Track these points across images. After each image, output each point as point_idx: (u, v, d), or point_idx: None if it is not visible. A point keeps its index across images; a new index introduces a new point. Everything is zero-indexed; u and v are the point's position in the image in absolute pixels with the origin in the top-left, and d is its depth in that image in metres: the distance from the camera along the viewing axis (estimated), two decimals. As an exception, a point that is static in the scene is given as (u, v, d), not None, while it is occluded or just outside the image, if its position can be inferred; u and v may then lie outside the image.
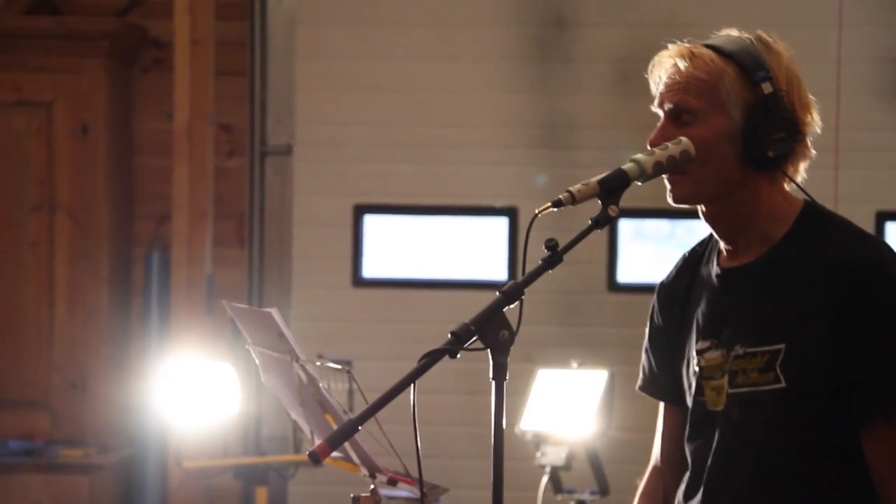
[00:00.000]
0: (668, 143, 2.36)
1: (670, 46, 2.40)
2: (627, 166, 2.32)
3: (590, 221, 2.27)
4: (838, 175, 5.21)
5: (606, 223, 2.28)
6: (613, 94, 6.44)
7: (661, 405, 2.60)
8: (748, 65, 2.34)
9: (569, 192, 2.26)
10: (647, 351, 2.60)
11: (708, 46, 2.38)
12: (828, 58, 5.54)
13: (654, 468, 2.62)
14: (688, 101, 2.35)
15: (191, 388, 5.28)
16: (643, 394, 2.62)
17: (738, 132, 2.34)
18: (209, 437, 5.57)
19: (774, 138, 2.33)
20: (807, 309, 2.31)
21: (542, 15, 6.49)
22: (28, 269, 6.15)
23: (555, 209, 2.25)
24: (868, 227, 4.13)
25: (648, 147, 2.36)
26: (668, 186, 2.40)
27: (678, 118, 2.37)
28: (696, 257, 2.54)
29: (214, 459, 5.51)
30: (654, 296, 2.59)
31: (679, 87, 2.36)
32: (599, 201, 2.29)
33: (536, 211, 2.24)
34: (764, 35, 2.39)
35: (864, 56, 6.24)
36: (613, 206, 2.29)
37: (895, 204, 6.31)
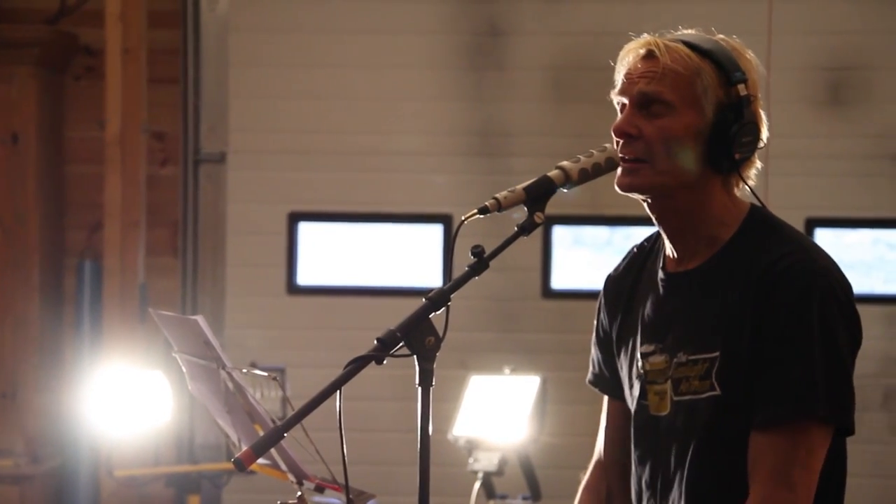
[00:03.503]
0: (594, 150, 2.36)
1: (644, 36, 2.37)
2: (553, 173, 2.32)
3: (516, 228, 2.28)
4: (768, 181, 5.25)
5: (532, 229, 2.29)
6: (547, 101, 6.46)
7: (605, 399, 2.60)
8: (726, 64, 2.33)
9: (495, 198, 2.27)
10: (594, 345, 2.60)
11: (683, 42, 2.35)
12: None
13: (598, 462, 2.62)
14: (662, 93, 2.32)
15: (123, 397, 5.25)
16: (592, 388, 2.62)
17: (706, 130, 2.33)
18: (141, 446, 5.53)
19: (743, 141, 2.32)
20: (738, 317, 2.31)
21: (476, 23, 6.50)
22: (-43, 279, 6.09)
23: (481, 216, 2.26)
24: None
25: (613, 134, 2.35)
26: (622, 173, 2.35)
27: (647, 107, 2.34)
28: (644, 253, 2.53)
29: (146, 468, 5.48)
30: (602, 289, 2.58)
31: (654, 77, 2.33)
32: (526, 208, 2.29)
33: (462, 218, 2.25)
34: (731, 40, 2.38)
35: (794, 64, 6.30)
36: (539, 213, 2.29)
37: (824, 210, 6.37)
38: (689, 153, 2.34)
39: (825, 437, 2.29)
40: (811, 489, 2.28)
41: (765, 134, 2.39)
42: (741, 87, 2.33)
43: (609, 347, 2.56)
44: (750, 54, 2.39)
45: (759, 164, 2.40)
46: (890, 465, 6.30)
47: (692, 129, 2.33)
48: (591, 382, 2.62)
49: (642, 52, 2.36)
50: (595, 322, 2.60)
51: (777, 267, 2.29)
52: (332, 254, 6.58)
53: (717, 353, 2.33)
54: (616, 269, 2.57)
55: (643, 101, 2.35)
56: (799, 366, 2.26)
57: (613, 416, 2.58)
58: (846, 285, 2.33)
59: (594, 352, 2.60)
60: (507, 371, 4.92)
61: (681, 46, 2.35)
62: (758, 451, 2.28)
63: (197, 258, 6.51)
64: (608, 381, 2.57)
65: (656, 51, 2.34)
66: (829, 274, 2.31)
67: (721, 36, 2.40)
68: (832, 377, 2.27)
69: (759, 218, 2.40)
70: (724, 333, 2.32)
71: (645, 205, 2.41)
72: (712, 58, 2.34)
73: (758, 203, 2.42)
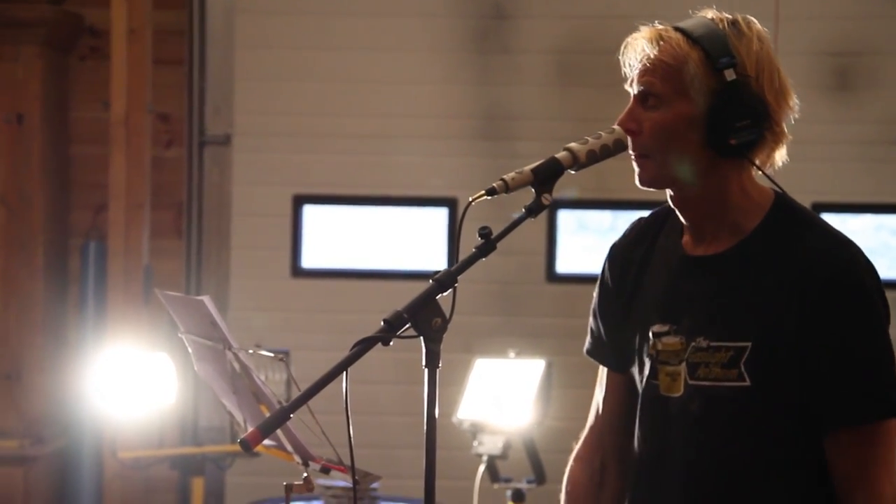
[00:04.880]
0: (602, 132, 2.35)
1: (642, 28, 2.37)
2: (561, 155, 2.32)
3: (523, 210, 2.28)
4: (774, 168, 5.26)
5: (540, 211, 2.28)
6: (553, 85, 6.45)
7: (603, 370, 2.58)
8: (713, 50, 2.31)
9: (502, 180, 2.26)
10: (595, 315, 2.58)
11: (678, 29, 2.35)
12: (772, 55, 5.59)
13: (591, 433, 2.60)
14: (653, 85, 2.33)
15: (127, 379, 5.24)
16: (590, 358, 2.60)
17: (701, 118, 2.32)
18: (145, 428, 5.54)
19: (737, 126, 2.30)
20: (775, 308, 2.29)
21: (481, 6, 6.49)
22: (-38, 259, 6.09)
23: (489, 197, 2.25)
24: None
25: (617, 125, 2.35)
26: (636, 169, 2.38)
27: (645, 101, 2.34)
28: (656, 226, 2.51)
29: (150, 450, 5.49)
30: (606, 257, 2.57)
31: (646, 71, 2.34)
32: (533, 189, 2.28)
33: (470, 199, 2.24)
34: (740, 19, 2.36)
35: (802, 49, 6.29)
36: (547, 195, 2.28)
37: (829, 195, 6.36)
38: (685, 143, 2.33)
39: None
40: None
41: (794, 109, 2.37)
42: (728, 72, 2.31)
43: (611, 317, 2.54)
44: (754, 31, 2.35)
45: (788, 137, 2.37)
46: None
47: (684, 118, 2.33)
48: (588, 353, 2.60)
49: (638, 45, 2.36)
50: (596, 291, 2.58)
51: (822, 261, 2.29)
52: (337, 237, 6.58)
53: (747, 343, 2.31)
54: (624, 238, 2.56)
55: (641, 96, 2.36)
56: (873, 364, 2.28)
57: (612, 388, 2.56)
58: (878, 274, 2.34)
59: (592, 321, 2.58)
60: (511, 355, 4.92)
61: (673, 35, 2.34)
62: (848, 453, 2.30)
63: (201, 240, 6.50)
64: (607, 352, 2.55)
65: (647, 45, 2.34)
66: (871, 267, 2.33)
67: (723, 16, 2.37)
68: (893, 367, 2.30)
69: (785, 206, 2.38)
70: (759, 323, 2.30)
71: (668, 197, 2.41)
72: (701, 44, 2.32)
73: (778, 189, 2.41)
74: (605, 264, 2.57)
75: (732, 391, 2.32)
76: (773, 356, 2.29)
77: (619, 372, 2.53)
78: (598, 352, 2.58)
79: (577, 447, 2.63)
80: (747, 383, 2.31)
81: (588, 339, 2.60)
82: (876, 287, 2.31)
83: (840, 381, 2.27)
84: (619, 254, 2.55)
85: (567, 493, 2.62)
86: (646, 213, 2.55)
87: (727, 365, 2.33)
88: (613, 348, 2.54)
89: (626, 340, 2.50)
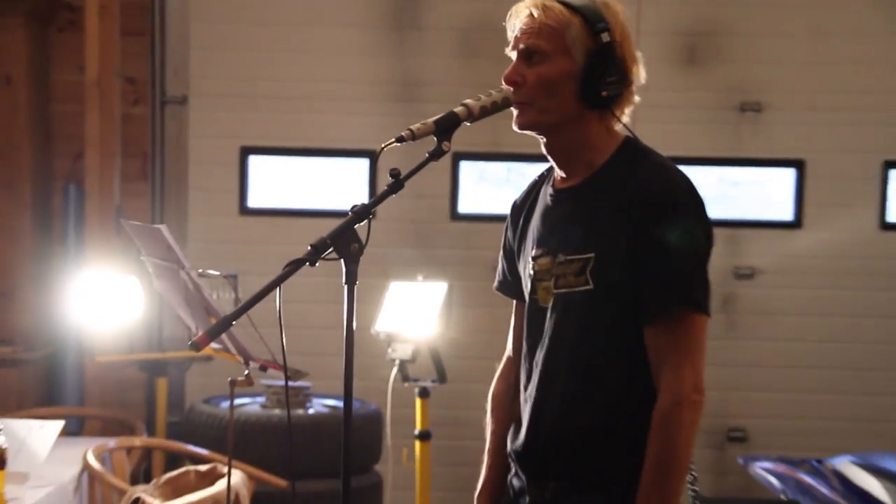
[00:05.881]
0: (492, 91, 2.36)
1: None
2: (458, 109, 2.33)
3: (427, 154, 2.28)
4: (635, 127, 5.28)
5: (440, 156, 2.29)
6: (457, 57, 6.43)
7: (514, 303, 2.62)
8: (591, 17, 2.34)
9: (409, 129, 2.27)
10: (501, 258, 2.62)
11: (558, 0, 2.38)
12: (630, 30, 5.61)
13: (508, 356, 2.64)
14: (539, 44, 2.35)
15: (102, 297, 5.21)
16: (499, 293, 2.64)
17: (579, 73, 2.34)
18: (118, 337, 5.50)
19: (608, 81, 2.33)
20: (611, 224, 2.33)
21: (398, -10, 6.46)
22: (-41, 198, 5.99)
23: (398, 144, 2.25)
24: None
25: (503, 82, 2.36)
26: (515, 113, 2.39)
27: (530, 58, 2.36)
28: (541, 181, 2.56)
29: (123, 355, 5.46)
30: (509, 213, 2.61)
31: (532, 32, 2.35)
32: (435, 138, 2.29)
33: (382, 145, 2.24)
34: None
35: (659, 29, 6.32)
36: (447, 142, 2.29)
37: (681, 151, 6.40)
38: (564, 93, 2.36)
39: (705, 323, 2.33)
40: (703, 364, 2.32)
41: (641, 74, 2.40)
42: (604, 35, 2.34)
43: (512, 258, 2.58)
44: (617, 6, 2.40)
45: (636, 98, 2.40)
46: (727, 356, 6.42)
47: (565, 73, 2.36)
48: (497, 289, 2.65)
49: (524, 12, 2.38)
50: (503, 239, 2.62)
51: (647, 183, 2.32)
52: (277, 182, 6.54)
53: (591, 254, 2.35)
54: (520, 197, 2.61)
55: (526, 54, 2.38)
56: (680, 267, 2.30)
57: (519, 316, 2.59)
58: (702, 199, 2.37)
59: (501, 263, 2.63)
60: (420, 279, 4.93)
61: (556, 4, 2.38)
62: (659, 342, 2.31)
63: (164, 184, 6.43)
64: (512, 286, 2.59)
65: (534, 10, 2.36)
66: (692, 191, 2.35)
67: None
68: (703, 274, 2.33)
69: (630, 145, 2.42)
70: (599, 238, 2.34)
71: (541, 142, 2.43)
72: (581, 12, 2.35)
73: (631, 135, 2.44)
74: (507, 218, 2.61)
75: (581, 295, 2.36)
76: (610, 264, 2.33)
77: (523, 301, 2.56)
78: (504, 287, 2.62)
79: (498, 369, 2.67)
80: (591, 287, 2.35)
81: (496, 278, 2.64)
82: (693, 206, 2.33)
83: (652, 280, 2.30)
84: (516, 208, 2.60)
85: (491, 404, 2.66)
86: (537, 174, 2.59)
87: (578, 273, 2.37)
88: (514, 282, 2.58)
89: (521, 273, 2.54)
